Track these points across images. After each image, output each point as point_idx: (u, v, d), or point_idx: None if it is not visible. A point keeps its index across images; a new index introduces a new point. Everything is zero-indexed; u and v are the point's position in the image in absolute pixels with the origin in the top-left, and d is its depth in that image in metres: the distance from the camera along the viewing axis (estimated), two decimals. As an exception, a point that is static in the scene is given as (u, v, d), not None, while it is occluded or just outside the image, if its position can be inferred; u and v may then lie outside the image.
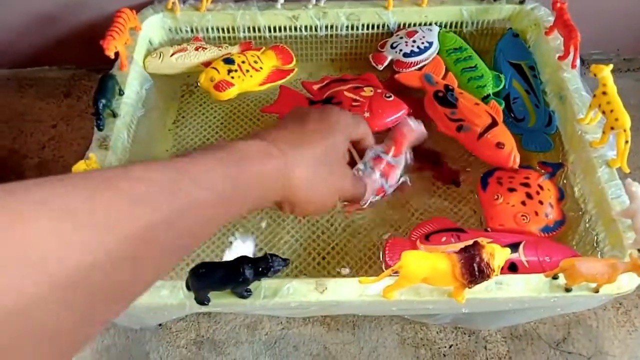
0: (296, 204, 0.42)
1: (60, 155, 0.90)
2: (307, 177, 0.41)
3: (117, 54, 0.76)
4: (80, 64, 1.01)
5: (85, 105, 0.97)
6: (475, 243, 0.50)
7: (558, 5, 0.77)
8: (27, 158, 0.89)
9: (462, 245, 0.60)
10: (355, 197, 0.51)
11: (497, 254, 0.49)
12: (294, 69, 0.85)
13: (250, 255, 0.56)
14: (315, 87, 0.80)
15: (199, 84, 0.81)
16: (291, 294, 0.56)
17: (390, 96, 0.75)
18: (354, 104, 0.74)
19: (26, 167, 0.88)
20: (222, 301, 0.57)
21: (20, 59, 1.00)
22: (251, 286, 0.56)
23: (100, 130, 0.70)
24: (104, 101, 0.70)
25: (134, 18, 0.80)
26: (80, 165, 0.63)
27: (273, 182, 0.39)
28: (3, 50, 0.98)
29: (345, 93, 0.76)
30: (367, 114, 0.72)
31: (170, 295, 0.57)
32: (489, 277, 0.49)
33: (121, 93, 0.74)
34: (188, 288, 0.56)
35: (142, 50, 0.83)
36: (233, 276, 0.53)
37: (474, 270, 0.49)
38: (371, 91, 0.75)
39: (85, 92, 0.99)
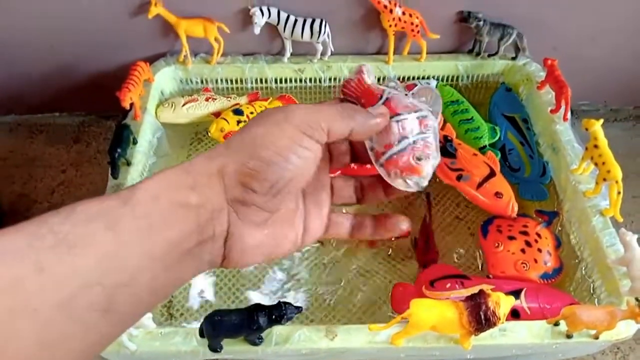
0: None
1: (69, 200, 0.92)
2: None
3: (131, 104, 0.79)
4: (90, 110, 1.05)
5: (94, 151, 0.99)
6: (481, 292, 0.52)
7: (549, 62, 0.82)
8: (37, 203, 0.91)
9: (466, 292, 0.63)
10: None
11: (502, 303, 0.51)
12: (299, 119, 0.89)
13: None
14: None
15: (209, 134, 0.84)
16: (302, 341, 0.58)
17: None
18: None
19: (36, 212, 0.90)
20: (234, 348, 0.58)
21: (32, 105, 1.03)
22: (263, 333, 0.58)
23: (115, 178, 0.72)
24: (119, 150, 0.73)
25: (148, 70, 0.84)
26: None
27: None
28: (16, 97, 1.01)
29: None
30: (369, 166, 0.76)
31: (183, 342, 0.58)
32: (495, 325, 0.52)
33: (135, 142, 0.77)
34: (201, 335, 0.58)
35: (155, 100, 0.86)
36: (247, 324, 0.55)
37: (480, 318, 0.51)
38: None
39: (94, 138, 1.02)
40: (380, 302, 0.73)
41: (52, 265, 0.22)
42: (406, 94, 0.32)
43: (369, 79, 0.32)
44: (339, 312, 0.73)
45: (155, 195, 0.26)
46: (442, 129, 0.83)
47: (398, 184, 0.30)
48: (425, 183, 0.30)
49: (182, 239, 0.26)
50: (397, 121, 0.30)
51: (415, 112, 0.30)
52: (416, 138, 0.30)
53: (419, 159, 0.30)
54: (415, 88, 0.33)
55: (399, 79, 0.92)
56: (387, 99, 0.31)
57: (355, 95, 0.32)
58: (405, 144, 0.30)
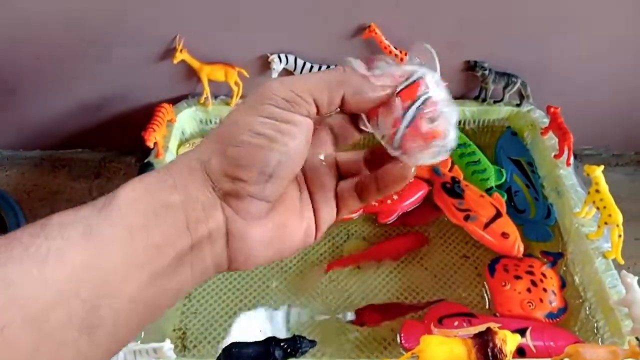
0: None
1: (89, 233, 0.95)
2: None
3: (154, 143, 0.84)
4: (111, 147, 1.09)
5: (115, 186, 1.01)
6: (489, 329, 0.55)
7: (552, 110, 0.86)
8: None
9: (474, 329, 0.65)
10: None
11: (508, 340, 0.54)
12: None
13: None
14: None
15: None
16: (315, 374, 0.60)
17: None
18: None
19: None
20: (250, 380, 0.60)
21: (55, 141, 1.08)
22: (278, 366, 0.60)
23: (138, 213, 0.76)
24: (143, 187, 0.77)
25: (171, 112, 0.89)
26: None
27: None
28: (41, 133, 1.06)
29: None
30: (395, 197, 0.80)
31: (201, 374, 0.60)
32: (501, 361, 0.54)
33: (157, 179, 0.81)
34: (219, 366, 0.60)
35: (176, 139, 0.91)
36: (263, 356, 0.57)
37: (488, 355, 0.54)
38: None
39: (114, 174, 1.06)
40: (389, 338, 0.75)
41: (21, 279, 0.20)
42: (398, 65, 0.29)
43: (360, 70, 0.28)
44: (349, 347, 0.75)
45: (134, 199, 0.24)
46: (450, 170, 0.87)
47: (422, 156, 0.27)
48: (451, 143, 0.27)
49: (169, 242, 0.24)
50: (396, 94, 0.27)
51: (410, 78, 0.27)
52: (419, 103, 0.27)
53: (432, 120, 0.26)
54: (409, 53, 0.31)
55: (408, 122, 0.96)
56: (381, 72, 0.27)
57: None
58: (412, 114, 0.26)
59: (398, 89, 0.27)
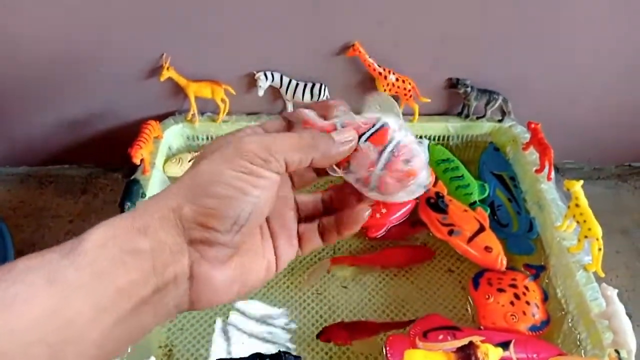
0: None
1: (75, 250, 0.95)
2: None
3: (141, 160, 0.84)
4: (98, 163, 1.09)
5: (102, 202, 1.04)
6: (471, 343, 0.56)
7: (532, 125, 0.88)
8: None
9: (458, 343, 0.66)
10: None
11: (490, 354, 0.55)
12: (299, 175, 0.94)
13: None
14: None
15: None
16: (301, 389, 0.60)
17: None
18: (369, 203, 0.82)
19: (42, 261, 0.93)
20: (235, 396, 0.60)
21: (42, 157, 1.08)
22: (264, 382, 0.60)
23: (125, 230, 0.76)
24: (129, 204, 0.77)
25: (158, 129, 0.90)
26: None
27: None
28: (27, 149, 1.06)
29: None
30: (383, 210, 0.81)
31: (186, 391, 0.60)
32: (484, 374, 0.54)
33: (144, 196, 0.82)
34: (204, 383, 0.60)
35: (163, 155, 0.92)
36: (249, 372, 0.58)
37: (470, 368, 0.54)
38: None
39: (101, 190, 1.06)
40: (375, 352, 0.76)
41: None
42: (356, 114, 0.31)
43: (317, 120, 0.30)
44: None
45: (102, 244, 0.24)
46: (434, 185, 0.89)
47: (400, 194, 0.29)
48: (426, 181, 0.29)
49: (134, 287, 0.24)
50: (365, 141, 0.29)
51: (376, 124, 0.29)
52: (392, 147, 0.29)
53: (407, 161, 0.28)
54: (368, 102, 0.32)
55: (393, 138, 0.98)
56: (342, 126, 0.29)
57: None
58: (386, 157, 0.28)
59: (366, 136, 0.29)
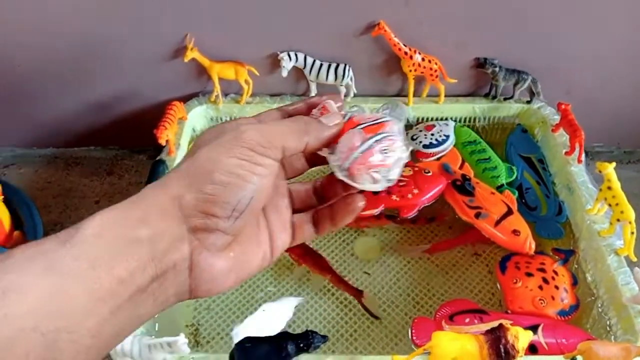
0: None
1: (102, 230, 0.96)
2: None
3: (166, 141, 0.84)
4: (123, 145, 1.10)
5: (127, 184, 1.05)
6: (501, 325, 0.55)
7: (563, 106, 0.86)
8: (71, 232, 0.96)
9: (485, 326, 0.65)
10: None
11: (521, 336, 0.54)
12: (323, 157, 0.93)
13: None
14: None
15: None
16: (327, 369, 0.60)
17: (429, 171, 0.83)
18: (401, 183, 0.82)
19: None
20: (262, 375, 0.61)
21: (68, 139, 1.09)
22: (290, 361, 0.61)
23: (151, 210, 0.77)
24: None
25: (182, 110, 0.90)
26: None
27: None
28: (54, 131, 1.07)
29: None
30: (415, 191, 0.80)
31: (214, 369, 0.61)
32: (514, 357, 0.54)
33: (169, 176, 0.82)
34: (232, 361, 0.61)
35: (187, 137, 0.92)
36: (276, 351, 0.58)
37: (500, 351, 0.54)
38: (410, 170, 0.84)
39: (126, 171, 1.07)
40: (400, 335, 0.76)
41: None
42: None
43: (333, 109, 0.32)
44: (360, 344, 0.75)
45: (99, 233, 0.24)
46: (461, 168, 0.87)
47: (364, 180, 0.30)
48: (393, 175, 0.30)
49: (132, 276, 0.24)
50: (359, 128, 0.30)
51: (378, 119, 0.31)
52: (379, 137, 0.30)
53: (384, 151, 0.30)
54: (384, 105, 0.34)
55: (418, 120, 0.97)
56: (349, 118, 0.31)
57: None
58: (369, 143, 0.30)
59: (363, 125, 0.30)
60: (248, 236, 0.29)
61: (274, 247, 0.31)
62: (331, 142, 0.30)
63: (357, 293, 0.78)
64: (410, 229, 0.88)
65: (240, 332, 0.62)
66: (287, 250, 0.78)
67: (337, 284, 0.80)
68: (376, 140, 0.30)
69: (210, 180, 0.26)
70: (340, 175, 0.30)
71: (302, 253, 0.81)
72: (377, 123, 0.30)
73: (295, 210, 0.33)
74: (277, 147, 0.27)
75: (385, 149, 0.30)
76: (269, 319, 0.72)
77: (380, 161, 0.29)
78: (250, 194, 0.27)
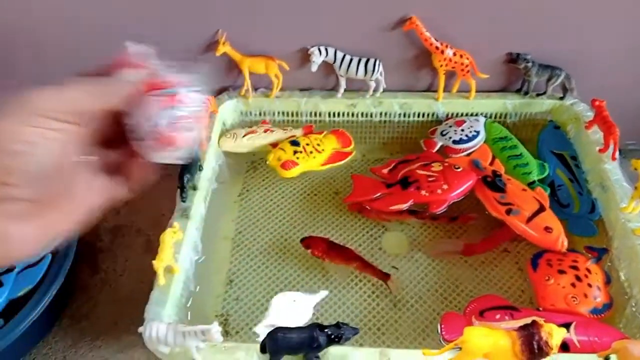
0: None
1: (133, 220, 0.98)
2: None
3: (198, 134, 0.85)
4: (154, 138, 1.12)
5: (158, 175, 1.06)
6: (534, 322, 0.54)
7: (597, 103, 0.84)
8: (104, 222, 0.98)
9: (515, 323, 0.65)
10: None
11: (555, 333, 0.53)
12: (352, 152, 0.94)
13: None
14: (385, 170, 0.89)
15: (267, 162, 0.90)
16: (357, 362, 0.61)
17: (459, 167, 0.83)
18: (430, 179, 0.82)
19: (103, 231, 0.96)
20: (292, 365, 0.61)
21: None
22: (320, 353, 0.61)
23: (183, 202, 0.78)
24: (188, 176, 0.79)
25: (213, 103, 0.91)
26: (167, 234, 0.71)
27: None
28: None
29: (418, 171, 0.84)
30: (445, 187, 0.80)
31: (245, 357, 0.62)
32: (547, 355, 0.53)
33: (201, 169, 0.83)
34: (263, 351, 0.61)
35: (218, 130, 0.93)
36: (308, 342, 0.58)
37: (533, 348, 0.53)
38: (440, 165, 0.83)
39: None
40: (428, 330, 0.75)
41: None
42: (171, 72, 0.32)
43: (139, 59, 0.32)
44: (387, 337, 0.75)
45: None
46: (491, 164, 0.86)
47: (152, 157, 0.31)
48: (181, 154, 0.31)
49: None
50: (155, 96, 0.30)
51: (174, 88, 0.30)
52: (176, 111, 0.30)
53: (177, 127, 0.30)
54: (186, 67, 0.33)
55: (448, 115, 0.96)
56: (152, 76, 0.31)
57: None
58: (165, 115, 0.30)
59: (162, 93, 0.30)
60: (50, 201, 0.29)
61: (81, 210, 0.30)
62: (132, 103, 0.30)
63: (385, 276, 0.79)
64: (438, 224, 0.88)
65: (262, 329, 0.64)
66: (309, 250, 0.81)
67: (364, 270, 0.80)
68: (170, 115, 0.30)
69: (3, 151, 0.26)
70: (134, 145, 0.30)
71: (326, 249, 0.81)
72: (174, 94, 0.30)
73: (102, 170, 0.32)
74: (70, 111, 0.27)
75: (179, 126, 0.30)
76: (288, 315, 0.74)
77: (170, 139, 0.30)
78: (47, 160, 0.27)
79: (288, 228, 0.90)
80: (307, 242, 0.82)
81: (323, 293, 0.70)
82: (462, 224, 0.87)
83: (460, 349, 0.56)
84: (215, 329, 0.58)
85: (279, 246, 0.87)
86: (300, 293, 0.72)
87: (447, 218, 0.86)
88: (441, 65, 0.89)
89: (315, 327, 0.59)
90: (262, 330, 0.70)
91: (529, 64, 0.89)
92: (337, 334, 0.59)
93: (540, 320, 0.55)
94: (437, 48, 0.88)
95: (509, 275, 0.81)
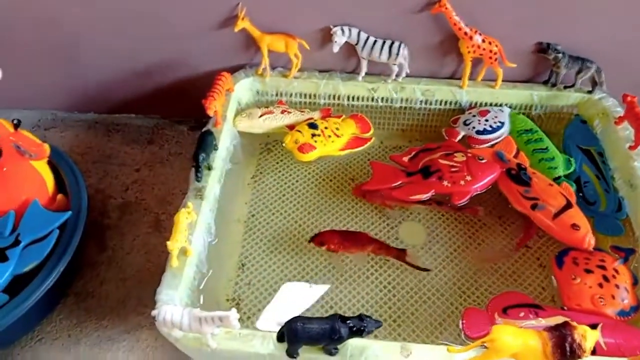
0: None
1: (142, 198, 0.95)
2: None
3: (214, 112, 0.82)
4: (165, 114, 1.09)
5: (167, 153, 1.03)
6: (566, 323, 0.52)
7: (629, 98, 0.81)
8: (111, 198, 0.95)
9: (538, 322, 0.63)
10: None
11: (588, 336, 0.51)
12: (371, 138, 0.91)
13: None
14: (405, 158, 0.87)
15: (283, 145, 0.87)
16: (377, 355, 0.59)
17: (483, 158, 0.80)
18: (453, 169, 0.79)
19: (110, 207, 0.94)
20: (310, 356, 0.59)
21: (110, 105, 1.08)
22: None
23: (198, 182, 0.75)
24: (203, 155, 0.76)
25: (230, 81, 0.88)
26: (181, 214, 0.68)
27: None
28: (96, 96, 1.06)
29: (441, 161, 0.82)
30: (468, 178, 0.78)
31: (261, 346, 0.60)
32: (579, 357, 0.51)
33: (216, 148, 0.80)
34: (280, 340, 0.59)
35: (233, 109, 0.90)
36: (329, 333, 0.56)
37: (565, 350, 0.51)
38: (462, 156, 0.81)
39: (167, 141, 1.06)
40: (445, 324, 0.73)
41: None
42: None
43: None
44: (404, 330, 0.73)
45: None
46: (515, 156, 0.84)
47: None
48: None
49: None
50: None
51: None
52: None
53: None
54: None
55: (471, 104, 0.93)
56: None
57: None
58: None
59: None
60: None
61: None
62: None
63: (401, 253, 0.78)
64: (458, 215, 0.85)
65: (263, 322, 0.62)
66: (323, 247, 0.79)
67: (379, 252, 0.78)
68: None
69: None
70: None
71: (340, 240, 0.79)
72: None
73: None
74: None
75: None
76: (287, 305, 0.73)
77: None
78: None
79: (302, 213, 0.87)
80: (319, 239, 0.79)
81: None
82: (470, 214, 0.85)
83: (486, 347, 0.54)
84: (234, 315, 0.56)
85: (293, 231, 0.85)
86: (308, 284, 0.73)
87: (451, 206, 0.83)
88: (469, 52, 0.86)
89: (337, 318, 0.57)
90: (263, 325, 0.69)
91: (559, 55, 0.86)
92: (360, 326, 0.56)
93: (573, 322, 0.53)
94: (465, 33, 0.85)
95: (530, 271, 0.79)
